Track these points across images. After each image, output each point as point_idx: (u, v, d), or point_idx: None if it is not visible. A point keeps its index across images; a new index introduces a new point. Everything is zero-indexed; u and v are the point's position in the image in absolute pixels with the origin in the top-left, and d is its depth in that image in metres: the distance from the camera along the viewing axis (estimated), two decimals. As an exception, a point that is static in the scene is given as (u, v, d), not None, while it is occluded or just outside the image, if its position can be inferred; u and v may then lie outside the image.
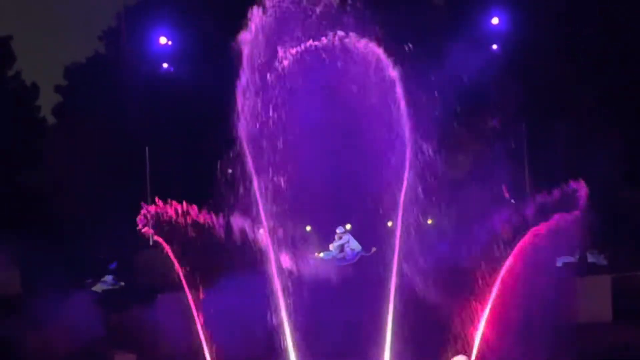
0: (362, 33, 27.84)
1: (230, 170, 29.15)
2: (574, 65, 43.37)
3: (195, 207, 25.63)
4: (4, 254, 36.81)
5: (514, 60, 42.24)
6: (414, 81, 27.68)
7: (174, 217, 25.53)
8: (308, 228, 42.36)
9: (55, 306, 32.60)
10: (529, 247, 27.18)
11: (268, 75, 28.03)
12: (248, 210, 27.37)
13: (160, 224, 25.64)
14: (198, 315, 26.86)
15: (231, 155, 27.65)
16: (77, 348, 30.56)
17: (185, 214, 25.52)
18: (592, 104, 42.76)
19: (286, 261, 27.81)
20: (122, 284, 31.91)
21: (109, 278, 36.94)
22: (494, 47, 44.02)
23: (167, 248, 26.73)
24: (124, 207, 28.01)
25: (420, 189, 27.53)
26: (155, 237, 26.89)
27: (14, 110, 48.28)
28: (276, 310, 27.13)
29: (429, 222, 38.22)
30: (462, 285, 29.90)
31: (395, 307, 27.26)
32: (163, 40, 35.74)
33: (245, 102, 27.54)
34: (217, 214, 31.19)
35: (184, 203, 25.24)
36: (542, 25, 43.80)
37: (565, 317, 30.51)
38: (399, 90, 27.73)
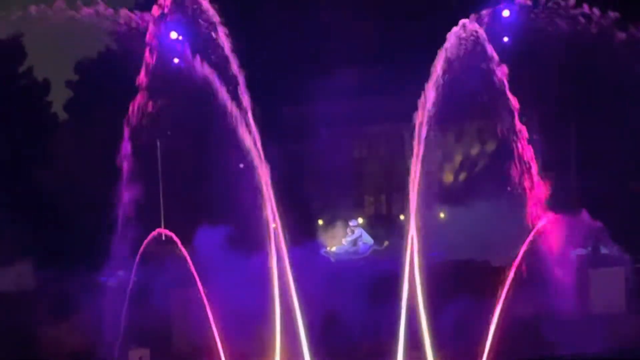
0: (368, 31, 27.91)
1: (241, 165, 29.11)
2: (586, 57, 43.14)
3: None
4: (17, 249, 36.84)
5: (525, 53, 42.07)
6: (424, 74, 27.64)
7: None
8: (320, 222, 42.32)
9: (69, 301, 32.64)
10: (540, 241, 27.13)
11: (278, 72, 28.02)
12: (260, 205, 27.34)
13: None
14: (210, 310, 26.86)
15: (242, 149, 27.65)
16: (90, 342, 30.58)
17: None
18: (604, 95, 42.55)
19: (299, 256, 27.80)
20: (135, 279, 31.80)
21: (122, 273, 36.91)
22: (505, 39, 43.82)
23: (180, 244, 26.75)
24: (136, 201, 28.03)
25: (432, 183, 27.47)
26: (168, 233, 26.94)
27: (26, 106, 48.30)
28: (288, 305, 27.12)
29: (442, 215, 38.21)
30: (476, 279, 29.87)
31: (408, 300, 27.25)
32: (174, 35, 35.60)
33: (254, 95, 27.57)
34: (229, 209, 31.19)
35: None
36: (554, 18, 43.60)
37: (578, 308, 30.47)
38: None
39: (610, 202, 35.57)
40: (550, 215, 27.34)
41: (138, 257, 26.98)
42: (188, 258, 26.88)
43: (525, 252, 27.07)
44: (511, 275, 27.00)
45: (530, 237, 27.12)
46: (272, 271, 26.91)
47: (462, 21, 27.15)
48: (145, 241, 26.99)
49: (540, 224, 27.22)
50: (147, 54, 28.25)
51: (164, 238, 29.06)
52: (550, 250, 27.52)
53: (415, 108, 27.17)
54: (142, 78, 28.55)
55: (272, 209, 27.04)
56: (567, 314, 29.91)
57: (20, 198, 41.25)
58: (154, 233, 27.71)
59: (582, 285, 33.07)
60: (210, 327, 27.06)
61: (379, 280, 30.88)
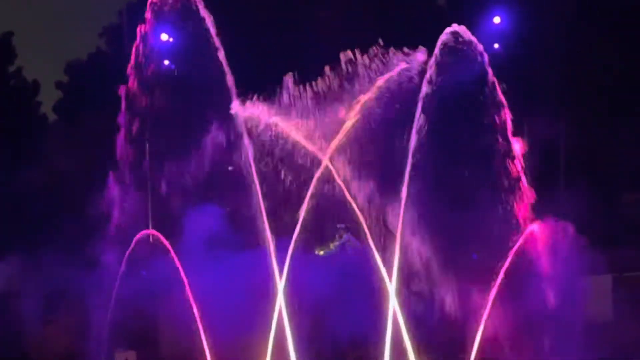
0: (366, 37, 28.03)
1: (230, 167, 29.09)
2: (576, 64, 43.37)
3: None
4: (4, 251, 36.77)
5: (515, 59, 42.22)
6: (417, 80, 27.66)
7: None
8: (308, 226, 42.23)
9: (56, 302, 32.57)
10: (527, 249, 27.18)
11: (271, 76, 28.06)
12: (249, 209, 27.34)
13: None
14: (197, 313, 26.83)
15: (231, 152, 27.63)
16: (77, 345, 30.52)
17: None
18: (595, 104, 42.75)
19: (287, 259, 27.79)
20: (122, 280, 31.81)
21: (109, 274, 36.84)
22: (496, 46, 43.96)
23: (168, 245, 26.72)
24: (124, 203, 28.03)
25: (421, 187, 27.53)
26: (156, 234, 26.91)
27: (15, 106, 48.29)
28: (277, 308, 27.11)
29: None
30: (463, 284, 29.86)
31: (396, 304, 27.27)
32: (164, 37, 35.62)
33: (245, 99, 27.57)
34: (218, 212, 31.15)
35: None
36: (545, 24, 43.79)
37: (566, 316, 30.52)
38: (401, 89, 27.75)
39: (599, 210, 35.67)
40: (538, 222, 27.37)
41: (125, 258, 26.93)
42: (176, 259, 26.84)
43: (513, 260, 27.09)
44: (498, 282, 27.02)
45: (517, 245, 27.14)
46: (262, 274, 26.93)
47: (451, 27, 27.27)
48: (133, 242, 26.94)
49: (527, 232, 27.25)
50: (136, 55, 28.25)
51: (151, 240, 29.03)
52: (538, 258, 27.55)
53: (407, 113, 27.23)
54: (131, 80, 28.56)
55: (260, 212, 27.05)
56: (554, 322, 29.95)
57: (7, 198, 41.20)
58: (142, 234, 27.66)
59: (570, 293, 33.14)
60: (197, 330, 27.02)
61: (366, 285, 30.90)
